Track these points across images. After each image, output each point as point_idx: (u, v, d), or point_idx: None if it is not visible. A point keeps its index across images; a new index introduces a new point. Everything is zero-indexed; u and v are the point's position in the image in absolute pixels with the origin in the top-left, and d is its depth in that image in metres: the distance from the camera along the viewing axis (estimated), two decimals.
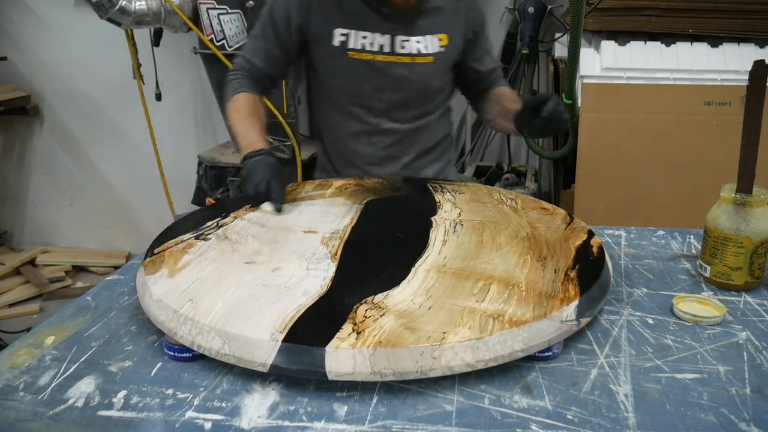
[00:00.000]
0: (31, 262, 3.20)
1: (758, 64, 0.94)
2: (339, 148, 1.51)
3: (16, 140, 3.34)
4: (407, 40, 1.34)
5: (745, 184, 0.97)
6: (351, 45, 1.33)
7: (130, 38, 2.66)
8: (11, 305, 2.89)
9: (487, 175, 2.59)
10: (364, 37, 1.33)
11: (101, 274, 3.20)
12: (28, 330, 2.42)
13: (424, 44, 1.36)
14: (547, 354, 0.78)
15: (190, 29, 2.53)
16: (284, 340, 0.73)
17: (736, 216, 0.96)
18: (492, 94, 1.51)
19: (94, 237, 3.45)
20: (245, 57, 1.40)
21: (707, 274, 1.00)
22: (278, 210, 1.14)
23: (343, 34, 1.33)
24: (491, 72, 1.52)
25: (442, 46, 1.39)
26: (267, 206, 1.15)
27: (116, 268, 3.16)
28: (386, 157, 1.47)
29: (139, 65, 2.69)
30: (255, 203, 1.18)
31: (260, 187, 1.16)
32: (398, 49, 1.34)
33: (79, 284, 3.10)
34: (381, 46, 1.33)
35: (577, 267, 0.91)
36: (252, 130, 1.28)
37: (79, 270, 3.24)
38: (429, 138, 1.52)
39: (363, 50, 1.33)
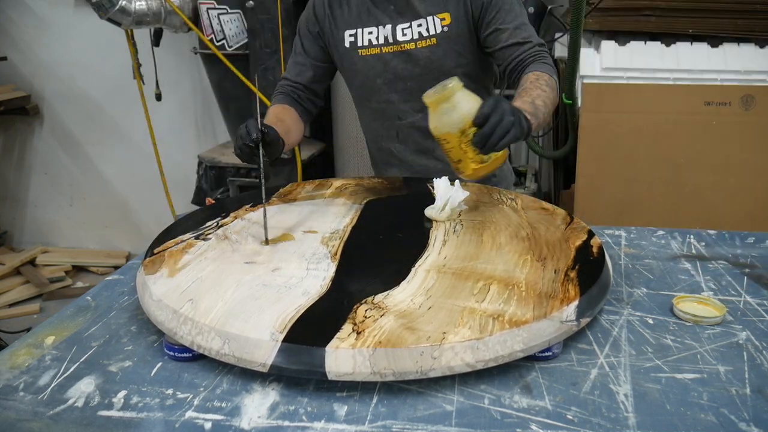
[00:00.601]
0: (31, 262, 3.20)
1: None
2: (376, 150, 1.51)
3: (16, 140, 3.34)
4: (408, 27, 1.32)
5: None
6: (360, 43, 1.35)
7: (130, 38, 2.67)
8: (11, 305, 2.89)
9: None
10: (370, 33, 1.34)
11: (101, 274, 3.20)
12: (28, 330, 2.42)
13: (426, 27, 1.32)
14: (547, 354, 0.78)
15: (190, 29, 2.53)
16: (284, 340, 0.73)
17: (434, 117, 1.03)
18: (522, 80, 1.28)
19: (94, 237, 3.45)
20: (285, 77, 1.44)
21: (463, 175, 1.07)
22: (255, 140, 1.09)
23: (351, 35, 1.35)
24: (513, 48, 1.29)
25: (444, 26, 1.32)
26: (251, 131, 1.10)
27: (116, 268, 3.16)
28: (418, 151, 1.43)
29: (139, 65, 2.69)
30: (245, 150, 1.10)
31: (241, 129, 1.12)
32: (400, 37, 1.33)
33: (79, 284, 3.10)
34: (385, 38, 1.33)
35: (577, 267, 0.91)
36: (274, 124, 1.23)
37: (79, 270, 3.24)
38: None
39: (371, 45, 1.34)
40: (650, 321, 0.88)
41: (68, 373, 0.77)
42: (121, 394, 0.72)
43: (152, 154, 2.85)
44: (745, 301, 0.94)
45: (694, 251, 1.13)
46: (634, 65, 2.05)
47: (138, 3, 2.42)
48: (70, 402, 0.71)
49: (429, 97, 1.02)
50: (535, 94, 1.18)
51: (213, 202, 1.42)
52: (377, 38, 1.34)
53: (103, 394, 0.72)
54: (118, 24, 2.45)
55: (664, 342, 0.83)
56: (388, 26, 1.33)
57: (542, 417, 0.68)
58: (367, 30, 1.34)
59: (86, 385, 0.74)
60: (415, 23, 1.32)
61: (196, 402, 0.71)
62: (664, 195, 2.00)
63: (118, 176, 3.33)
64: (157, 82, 2.79)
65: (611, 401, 0.70)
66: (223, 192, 2.65)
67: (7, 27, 3.12)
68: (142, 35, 2.71)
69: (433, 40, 1.32)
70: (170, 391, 0.73)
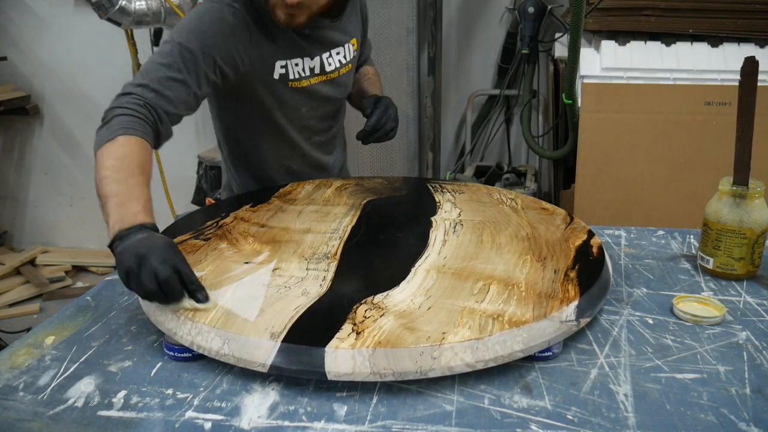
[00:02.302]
0: (31, 262, 3.20)
1: (748, 60, 0.97)
2: (276, 167, 1.41)
3: (16, 140, 3.34)
4: (330, 56, 1.33)
5: (741, 177, 0.99)
6: (291, 76, 1.28)
7: (130, 38, 2.67)
8: (11, 305, 2.89)
9: (487, 175, 2.59)
10: (296, 65, 1.28)
11: (101, 274, 3.20)
12: (27, 330, 2.42)
13: (344, 54, 1.36)
14: (546, 354, 0.78)
15: None
16: (284, 341, 0.73)
17: (738, 208, 0.98)
18: (359, 72, 1.55)
19: (94, 237, 3.45)
20: (153, 88, 1.07)
21: (710, 266, 1.01)
22: (204, 300, 0.82)
23: (282, 66, 1.26)
24: (365, 50, 1.55)
25: (355, 50, 1.40)
26: (187, 302, 0.81)
27: (115, 268, 3.14)
28: (314, 166, 1.46)
29: (139, 65, 2.69)
30: (159, 299, 0.81)
31: (163, 274, 0.79)
32: (327, 68, 1.33)
33: (79, 284, 3.10)
34: (311, 69, 1.30)
35: (576, 267, 0.91)
36: (138, 193, 0.93)
37: (79, 270, 3.24)
38: (340, 134, 1.54)
39: (301, 78, 1.30)
40: (650, 321, 0.88)
41: (68, 373, 0.77)
42: (121, 394, 0.72)
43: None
44: (745, 301, 0.94)
45: (693, 251, 1.13)
46: (634, 65, 2.05)
47: (138, 3, 2.41)
48: (70, 402, 0.71)
49: (741, 188, 0.98)
50: (378, 86, 1.52)
51: (213, 202, 1.41)
52: (304, 70, 1.29)
53: (103, 394, 0.72)
54: (118, 24, 2.45)
55: (664, 342, 0.83)
56: (316, 59, 1.30)
57: (542, 417, 0.68)
58: (293, 62, 1.27)
59: (86, 385, 0.74)
60: (334, 51, 1.34)
61: (196, 402, 0.71)
62: (664, 195, 2.00)
63: None
64: None
65: (611, 401, 0.70)
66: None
67: (8, 27, 3.12)
68: (142, 35, 2.71)
69: (350, 66, 1.39)
70: (170, 391, 0.73)
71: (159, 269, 0.79)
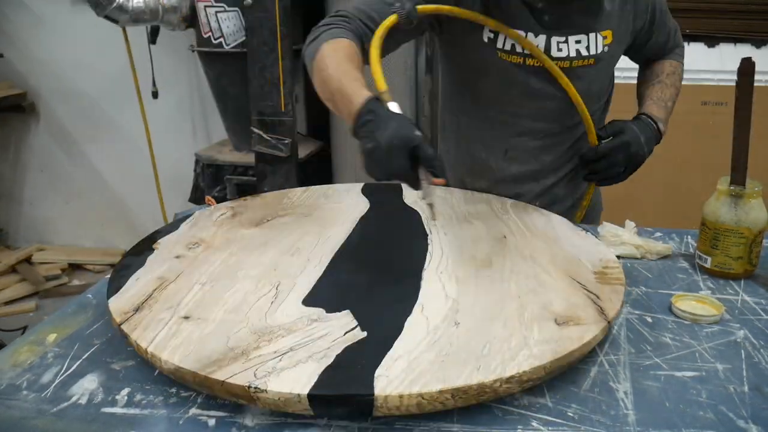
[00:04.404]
0: (27, 260, 3.19)
1: (745, 61, 0.98)
2: (467, 158, 1.30)
3: (12, 138, 3.33)
4: (564, 41, 1.13)
5: (739, 177, 1.00)
6: (499, 45, 1.13)
7: (127, 36, 2.66)
8: (7, 303, 2.88)
9: None
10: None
11: (97, 271, 3.20)
12: (24, 328, 2.41)
13: (586, 45, 1.14)
14: None
15: (187, 27, 2.53)
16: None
17: (735, 208, 0.99)
18: (652, 66, 1.37)
19: (91, 235, 3.44)
20: (361, 9, 1.08)
21: (708, 265, 1.02)
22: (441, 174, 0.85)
23: (491, 31, 1.13)
24: (664, 50, 1.36)
25: (606, 45, 1.16)
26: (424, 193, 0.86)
27: (112, 266, 3.14)
28: (520, 176, 1.26)
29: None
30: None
31: (395, 169, 0.84)
32: (554, 52, 1.13)
33: (75, 282, 3.10)
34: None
35: None
36: (359, 78, 0.95)
37: (75, 268, 3.23)
38: (574, 159, 1.29)
39: (513, 52, 1.13)
40: (649, 319, 0.89)
41: (71, 370, 0.77)
42: (125, 391, 0.73)
43: (149, 152, 2.85)
44: (743, 300, 0.95)
45: (691, 250, 1.14)
46: (632, 65, 2.05)
47: (135, 0, 2.41)
48: (74, 399, 0.71)
49: (738, 188, 0.99)
50: (668, 95, 1.32)
51: (213, 200, 1.40)
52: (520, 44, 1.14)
53: (107, 392, 0.73)
54: (116, 21, 2.45)
55: (663, 340, 0.83)
56: (542, 36, 1.13)
57: (543, 414, 0.68)
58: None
59: (89, 383, 0.74)
60: (573, 39, 1.14)
61: (199, 399, 0.71)
62: (662, 195, 2.02)
63: (114, 174, 3.32)
64: (153, 79, 2.78)
65: (611, 399, 0.71)
66: (221, 190, 2.65)
67: (4, 25, 3.11)
68: (140, 33, 2.70)
69: (592, 60, 1.17)
70: (173, 390, 0.73)
71: (390, 165, 0.84)
